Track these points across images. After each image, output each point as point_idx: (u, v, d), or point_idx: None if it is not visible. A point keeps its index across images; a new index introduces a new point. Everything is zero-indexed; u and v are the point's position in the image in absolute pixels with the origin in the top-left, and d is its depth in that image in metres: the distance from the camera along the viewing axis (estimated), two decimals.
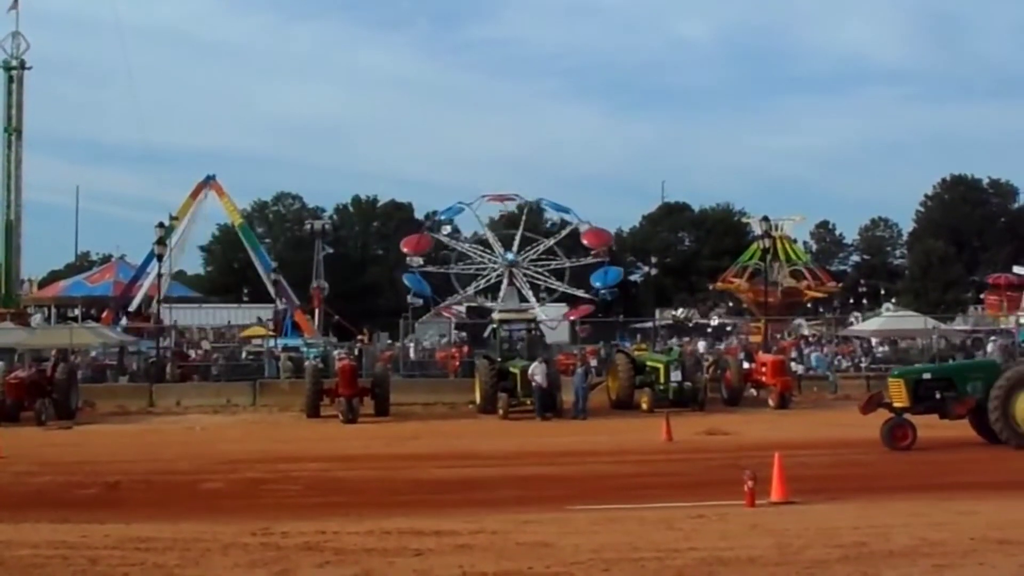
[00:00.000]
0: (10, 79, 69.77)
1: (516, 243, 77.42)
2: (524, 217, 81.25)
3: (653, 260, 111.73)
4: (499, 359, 40.01)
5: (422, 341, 61.80)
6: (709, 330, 69.89)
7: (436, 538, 14.47)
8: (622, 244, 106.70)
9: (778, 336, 59.14)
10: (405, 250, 77.65)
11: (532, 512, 16.83)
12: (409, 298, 74.51)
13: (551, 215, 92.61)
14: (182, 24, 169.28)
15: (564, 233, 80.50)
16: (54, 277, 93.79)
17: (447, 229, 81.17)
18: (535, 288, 76.42)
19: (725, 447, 25.53)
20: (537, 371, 36.63)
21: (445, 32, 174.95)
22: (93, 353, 51.41)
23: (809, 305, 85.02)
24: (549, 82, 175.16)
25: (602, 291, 75.20)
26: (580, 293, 75.62)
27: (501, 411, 37.26)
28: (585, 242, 78.22)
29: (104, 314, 69.50)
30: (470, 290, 74.92)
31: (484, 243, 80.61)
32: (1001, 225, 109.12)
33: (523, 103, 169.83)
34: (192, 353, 54.66)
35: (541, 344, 44.91)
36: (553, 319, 61.90)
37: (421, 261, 75.95)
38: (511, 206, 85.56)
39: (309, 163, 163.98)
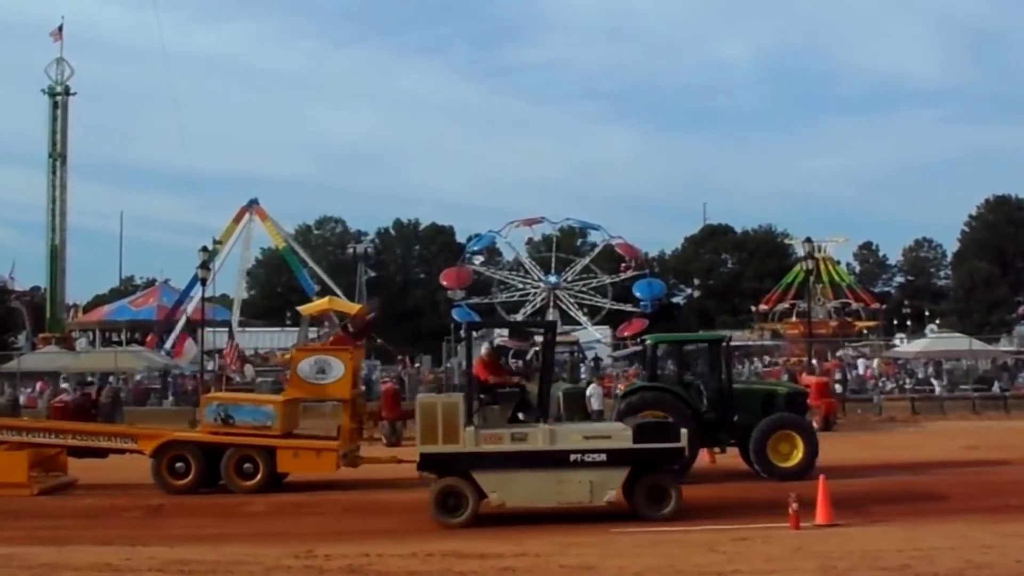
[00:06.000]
0: (55, 105, 70.75)
1: (553, 265, 77.03)
2: (556, 238, 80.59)
3: (696, 282, 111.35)
4: None
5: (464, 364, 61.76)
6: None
7: (479, 561, 14.43)
8: (664, 266, 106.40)
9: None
10: (445, 283, 77.34)
11: (575, 535, 16.77)
12: (462, 333, 74.36)
13: (584, 236, 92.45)
14: (225, 51, 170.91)
15: (597, 250, 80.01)
16: (99, 301, 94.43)
17: (480, 259, 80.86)
18: (580, 308, 76.01)
19: None
20: (594, 394, 36.23)
21: (485, 56, 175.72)
22: (137, 377, 51.79)
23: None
24: (589, 104, 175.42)
25: (642, 301, 74.47)
26: (628, 308, 75.02)
27: None
28: (619, 251, 77.66)
29: (148, 338, 69.86)
30: (519, 317, 74.65)
31: (522, 268, 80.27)
32: None
33: (563, 126, 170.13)
34: (236, 377, 54.88)
35: (591, 366, 44.79)
36: (590, 341, 61.47)
37: (463, 294, 75.63)
38: (540, 229, 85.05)
39: (351, 187, 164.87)
